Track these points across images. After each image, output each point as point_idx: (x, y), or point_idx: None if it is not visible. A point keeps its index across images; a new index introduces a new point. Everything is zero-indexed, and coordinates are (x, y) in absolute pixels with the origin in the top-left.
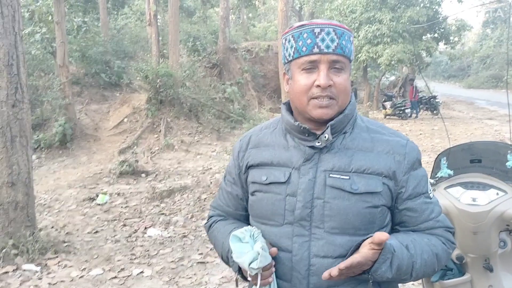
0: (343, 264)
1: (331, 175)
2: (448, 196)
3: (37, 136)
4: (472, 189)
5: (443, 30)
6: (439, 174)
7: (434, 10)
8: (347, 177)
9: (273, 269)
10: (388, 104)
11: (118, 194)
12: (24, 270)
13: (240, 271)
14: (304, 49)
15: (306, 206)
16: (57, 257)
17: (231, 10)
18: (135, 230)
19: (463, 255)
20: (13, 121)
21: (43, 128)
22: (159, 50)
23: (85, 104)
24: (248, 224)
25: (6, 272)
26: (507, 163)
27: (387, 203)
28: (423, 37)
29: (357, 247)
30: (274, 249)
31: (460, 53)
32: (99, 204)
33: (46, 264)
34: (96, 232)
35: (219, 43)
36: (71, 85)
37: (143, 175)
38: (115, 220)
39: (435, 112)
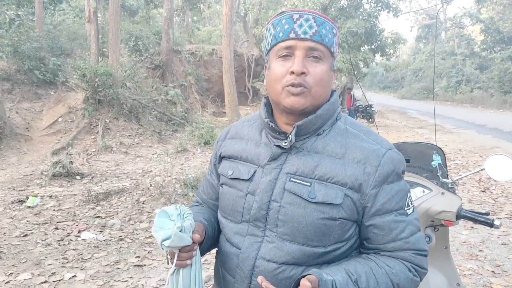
0: (266, 284)
1: (292, 179)
2: None
3: None
4: None
5: (379, 42)
6: None
7: (372, 22)
8: (308, 184)
9: (194, 252)
10: None
11: (50, 196)
12: None
13: None
14: (281, 34)
15: (262, 208)
16: None
17: (175, 12)
18: (68, 233)
19: None
20: None
21: None
22: (98, 49)
23: (16, 102)
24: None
25: None
26: (432, 163)
27: (349, 217)
28: (361, 48)
29: (297, 284)
30: (196, 236)
31: (394, 65)
32: (29, 207)
33: None
34: (25, 235)
35: (162, 44)
36: (1, 81)
37: (78, 177)
38: (46, 223)
39: (370, 120)
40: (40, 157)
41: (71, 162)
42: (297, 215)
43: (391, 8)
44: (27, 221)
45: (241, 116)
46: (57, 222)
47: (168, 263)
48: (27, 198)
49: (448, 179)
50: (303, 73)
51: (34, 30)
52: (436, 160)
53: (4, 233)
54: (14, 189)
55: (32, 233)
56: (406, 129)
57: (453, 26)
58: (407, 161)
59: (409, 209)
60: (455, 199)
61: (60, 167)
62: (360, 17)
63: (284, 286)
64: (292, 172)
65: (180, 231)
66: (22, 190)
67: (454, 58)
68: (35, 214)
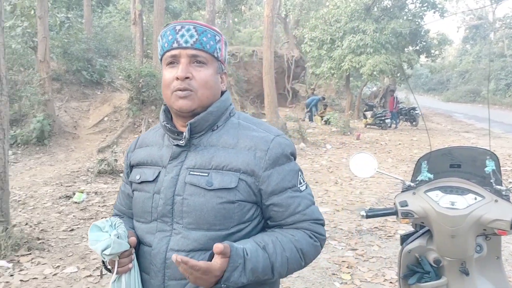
0: (180, 257)
1: (191, 172)
2: (427, 199)
3: (14, 132)
4: (451, 193)
5: (424, 43)
6: (419, 178)
7: (417, 23)
8: (206, 174)
9: (133, 256)
10: (369, 113)
11: (96, 193)
12: None
13: (104, 262)
14: (166, 45)
15: (167, 203)
16: (30, 254)
17: (217, 14)
18: None
19: (441, 258)
20: None
21: (21, 124)
22: (143, 50)
23: (65, 101)
24: None
25: None
26: (486, 169)
27: (247, 199)
28: (405, 49)
29: (212, 256)
30: (132, 239)
31: (440, 67)
32: (75, 202)
33: (18, 261)
34: (72, 230)
35: None
36: (51, 81)
37: (121, 174)
38: (91, 218)
39: (414, 123)
40: (86, 155)
41: (116, 160)
42: (198, 203)
43: (437, 8)
44: (74, 216)
45: (280, 118)
46: (102, 218)
47: (101, 277)
48: (74, 194)
49: (502, 186)
50: (187, 77)
51: (83, 32)
52: (490, 166)
53: (52, 227)
54: (61, 185)
55: (78, 227)
56: (451, 133)
57: (502, 26)
58: (458, 166)
59: (302, 185)
60: (509, 207)
61: (105, 164)
62: (405, 17)
63: None
64: (191, 167)
65: (117, 238)
66: (69, 186)
67: (503, 60)
68: (81, 210)
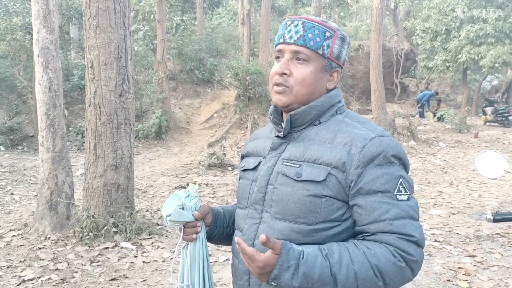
0: (237, 238)
1: (284, 163)
2: None
3: (136, 127)
4: None
5: None
6: None
7: None
8: (297, 166)
9: (198, 229)
10: (489, 109)
11: (207, 184)
12: (122, 247)
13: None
14: (276, 39)
15: (260, 191)
16: (151, 238)
17: (322, 9)
18: None
19: None
20: (119, 109)
21: (141, 119)
22: (250, 49)
23: (179, 98)
24: None
25: (106, 248)
26: None
27: (335, 195)
28: None
29: None
30: (196, 213)
31: None
32: None
33: (141, 244)
34: None
35: None
36: (168, 80)
37: (229, 168)
38: None
39: None
40: (198, 149)
41: (224, 154)
42: (286, 194)
43: None
44: None
45: (388, 114)
46: None
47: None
48: (187, 184)
49: None
50: (284, 73)
51: (196, 33)
52: None
53: None
54: (176, 176)
55: None
56: None
57: None
58: None
59: (400, 195)
60: None
61: (214, 158)
62: None
63: None
64: (286, 158)
65: (182, 208)
66: (183, 177)
67: None
68: None
